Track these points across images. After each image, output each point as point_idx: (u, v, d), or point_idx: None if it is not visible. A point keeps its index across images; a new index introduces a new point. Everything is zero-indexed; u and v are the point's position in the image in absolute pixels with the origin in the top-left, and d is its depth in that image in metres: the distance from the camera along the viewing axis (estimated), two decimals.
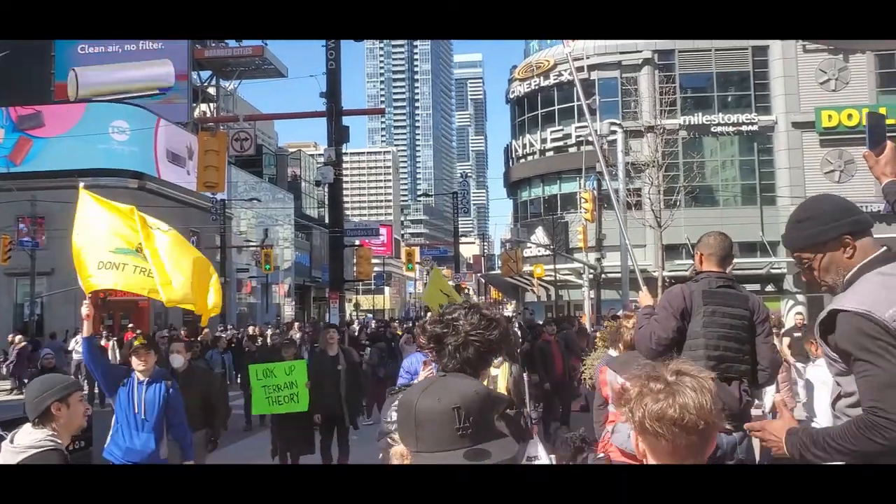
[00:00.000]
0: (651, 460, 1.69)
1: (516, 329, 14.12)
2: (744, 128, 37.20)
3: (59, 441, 3.22)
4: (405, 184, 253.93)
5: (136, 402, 5.69)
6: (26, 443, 3.16)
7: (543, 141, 42.35)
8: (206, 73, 50.73)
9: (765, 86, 37.31)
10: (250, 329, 23.98)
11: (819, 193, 3.05)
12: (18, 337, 23.47)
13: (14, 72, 42.86)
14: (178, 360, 7.03)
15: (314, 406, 8.19)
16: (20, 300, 34.43)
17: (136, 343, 6.11)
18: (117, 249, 5.77)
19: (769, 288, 34.07)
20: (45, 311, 33.10)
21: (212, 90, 51.52)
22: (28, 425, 3.25)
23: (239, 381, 14.69)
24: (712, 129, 37.18)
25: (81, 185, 5.92)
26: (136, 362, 5.88)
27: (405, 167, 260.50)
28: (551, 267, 36.22)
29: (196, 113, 47.32)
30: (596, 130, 35.17)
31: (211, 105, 51.55)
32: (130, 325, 24.74)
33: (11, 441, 3.20)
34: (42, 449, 3.13)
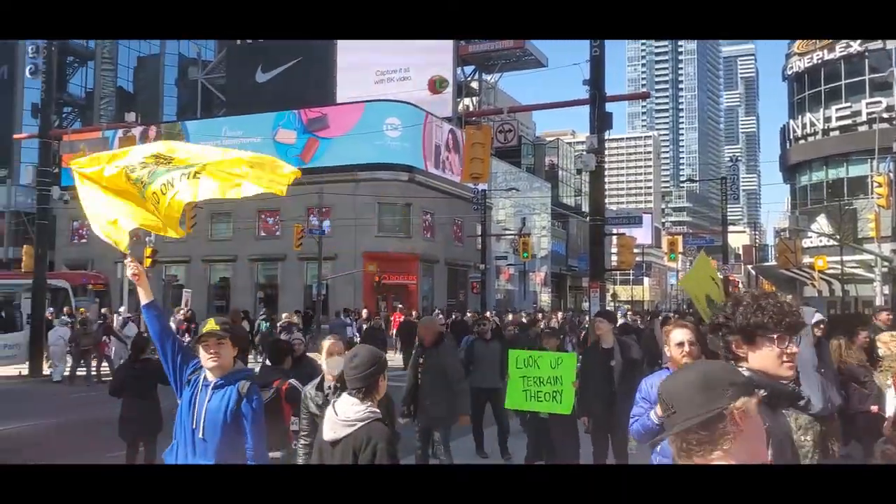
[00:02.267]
0: None
1: None
2: None
3: (377, 411, 3.44)
4: (667, 169, 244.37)
5: (197, 412, 3.93)
6: (353, 416, 3.37)
7: (827, 119, 38.50)
8: (469, 69, 52.74)
9: None
10: (510, 315, 24.17)
11: None
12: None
13: (302, 77, 48.04)
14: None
15: (581, 408, 7.00)
16: (309, 282, 38.51)
17: (205, 328, 4.02)
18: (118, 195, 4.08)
19: None
20: (329, 291, 36.69)
21: (474, 84, 53.44)
22: (347, 396, 3.45)
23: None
24: None
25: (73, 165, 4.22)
26: (202, 356, 3.99)
27: (667, 152, 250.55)
28: (836, 259, 32.74)
29: (460, 107, 49.45)
30: (892, 106, 31.18)
31: (474, 99, 53.52)
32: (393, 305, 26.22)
33: (336, 413, 3.43)
34: (370, 420, 3.37)
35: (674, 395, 1.71)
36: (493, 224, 46.49)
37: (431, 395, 7.56)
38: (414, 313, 26.26)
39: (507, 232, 49.72)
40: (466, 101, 52.92)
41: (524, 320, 18.18)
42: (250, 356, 20.08)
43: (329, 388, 4.93)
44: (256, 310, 33.46)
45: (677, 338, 4.44)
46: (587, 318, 20.05)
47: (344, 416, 3.41)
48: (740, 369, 2.14)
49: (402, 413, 7.66)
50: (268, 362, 7.08)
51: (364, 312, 25.02)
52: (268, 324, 23.24)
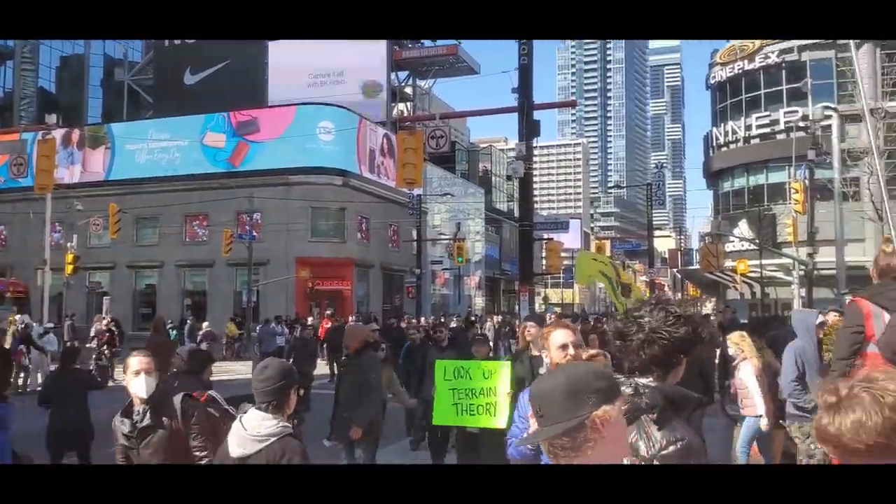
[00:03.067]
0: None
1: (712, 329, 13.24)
2: None
3: (289, 425, 3.35)
4: (596, 176, 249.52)
5: None
6: (265, 431, 3.25)
7: (748, 128, 40.00)
8: (402, 74, 52.81)
9: None
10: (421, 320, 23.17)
11: None
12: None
13: (232, 79, 47.23)
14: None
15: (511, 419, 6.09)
16: (239, 288, 37.85)
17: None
18: None
19: None
20: (260, 298, 36.13)
21: (408, 90, 53.54)
22: (255, 411, 3.33)
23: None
24: None
25: None
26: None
27: (596, 159, 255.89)
28: (756, 262, 34.03)
29: (394, 112, 49.46)
30: (807, 116, 32.60)
31: (408, 104, 53.61)
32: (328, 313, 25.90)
33: (245, 428, 3.30)
34: (282, 435, 3.27)
35: (542, 399, 1.75)
36: (428, 229, 46.63)
37: (349, 408, 6.89)
38: (352, 318, 25.96)
39: (443, 236, 49.98)
40: (401, 105, 52.98)
41: (459, 324, 18.38)
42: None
43: (139, 413, 4.41)
44: (183, 317, 32.67)
45: (559, 339, 4.16)
46: (517, 321, 20.28)
47: (254, 431, 3.27)
48: (649, 380, 2.24)
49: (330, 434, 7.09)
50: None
51: (309, 321, 24.61)
52: (176, 332, 22.75)
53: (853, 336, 4.58)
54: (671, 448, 2.09)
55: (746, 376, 7.45)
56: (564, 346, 4.12)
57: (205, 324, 26.19)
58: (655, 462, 2.09)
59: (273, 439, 3.25)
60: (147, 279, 41.85)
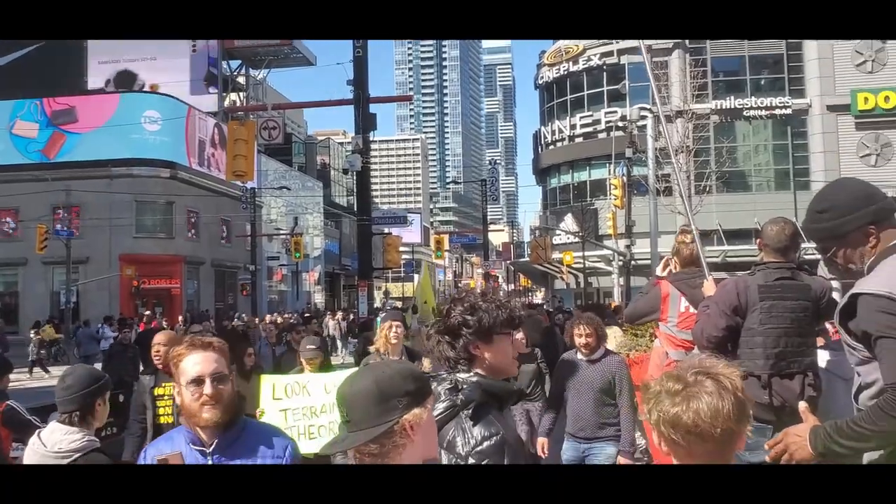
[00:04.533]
0: (673, 460, 1.64)
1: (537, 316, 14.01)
2: (777, 111, 36.59)
3: (96, 440, 3.05)
4: (434, 171, 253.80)
5: None
6: (68, 446, 2.94)
7: (573, 127, 42.12)
8: (235, 63, 51.09)
9: (799, 68, 36.63)
10: (268, 317, 21.74)
11: (839, 179, 2.90)
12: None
13: (48, 64, 43.59)
14: None
15: None
16: (56, 288, 35.12)
17: None
18: None
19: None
20: (80, 298, 33.73)
21: (241, 80, 51.88)
22: (56, 424, 3.04)
23: None
24: (745, 113, 36.61)
25: None
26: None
27: (434, 154, 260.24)
28: (581, 254, 36.05)
29: (226, 102, 47.72)
30: (626, 116, 34.96)
31: (241, 94, 51.92)
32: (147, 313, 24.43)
33: (45, 445, 2.98)
34: (87, 451, 2.96)
35: (349, 404, 1.69)
36: (263, 223, 45.46)
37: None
38: (180, 321, 24.65)
39: (279, 232, 48.90)
40: (233, 95, 51.19)
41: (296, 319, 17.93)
42: None
43: None
44: None
45: None
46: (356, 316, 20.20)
47: (55, 447, 2.94)
48: (470, 374, 2.25)
49: None
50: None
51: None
52: None
53: (649, 304, 5.12)
54: (485, 444, 2.10)
55: None
56: None
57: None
58: (471, 459, 2.09)
59: (77, 455, 2.92)
60: None
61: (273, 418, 4.98)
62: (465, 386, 2.20)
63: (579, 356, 5.61)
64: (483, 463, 2.08)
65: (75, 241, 31.87)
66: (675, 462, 1.64)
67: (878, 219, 2.42)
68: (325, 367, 5.83)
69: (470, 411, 2.15)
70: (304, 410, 5.12)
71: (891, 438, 2.19)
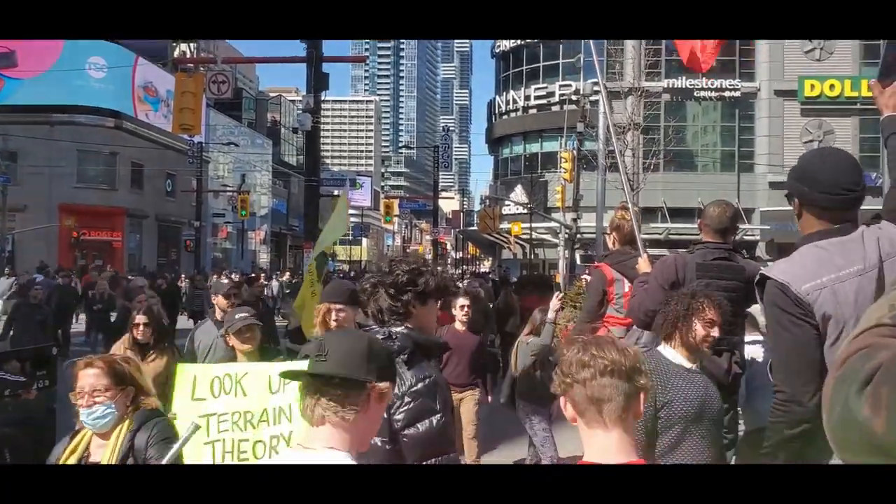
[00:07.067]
0: (580, 422, 1.75)
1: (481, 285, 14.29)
2: (727, 93, 37.23)
3: None
4: (387, 135, 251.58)
5: None
6: None
7: (527, 98, 42.15)
8: None
9: (749, 52, 37.23)
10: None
11: (828, 147, 2.99)
12: None
13: None
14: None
15: None
16: None
17: None
18: None
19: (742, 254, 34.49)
20: (16, 247, 32.74)
21: None
22: None
23: None
24: (695, 94, 37.16)
25: None
26: None
27: (387, 118, 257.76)
28: (528, 225, 36.39)
29: (176, 53, 46.32)
30: (579, 90, 35.17)
31: (191, 45, 50.42)
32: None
33: None
34: None
35: (335, 345, 1.78)
36: (210, 179, 44.61)
37: None
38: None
39: (226, 188, 48.04)
40: (183, 46, 49.69)
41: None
42: None
43: None
44: None
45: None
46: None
47: None
48: (402, 328, 2.50)
49: None
50: None
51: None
52: None
53: (598, 294, 5.12)
54: (419, 385, 2.35)
55: None
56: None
57: None
58: (406, 398, 2.33)
59: None
60: None
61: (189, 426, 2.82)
62: (397, 336, 2.44)
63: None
64: (417, 402, 2.33)
65: (12, 189, 30.85)
66: (580, 423, 1.76)
67: (803, 198, 2.47)
68: (264, 351, 4.46)
69: (405, 357, 2.39)
70: (235, 418, 3.44)
71: (797, 444, 2.25)
